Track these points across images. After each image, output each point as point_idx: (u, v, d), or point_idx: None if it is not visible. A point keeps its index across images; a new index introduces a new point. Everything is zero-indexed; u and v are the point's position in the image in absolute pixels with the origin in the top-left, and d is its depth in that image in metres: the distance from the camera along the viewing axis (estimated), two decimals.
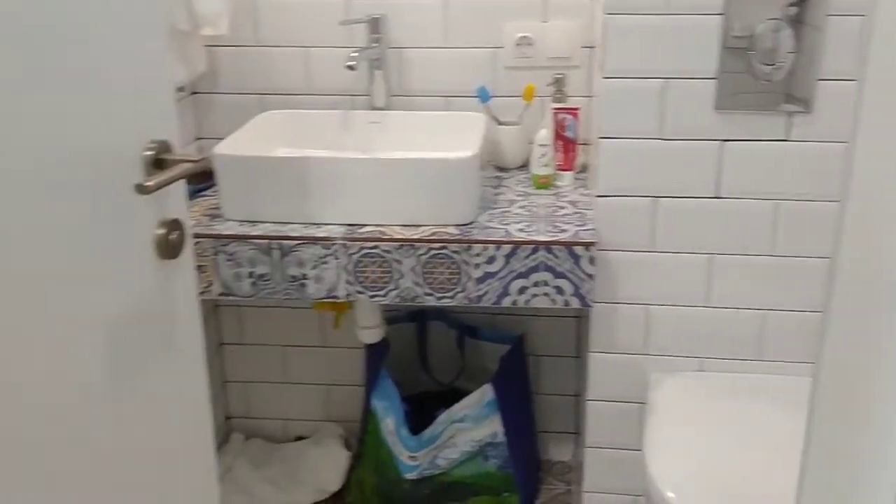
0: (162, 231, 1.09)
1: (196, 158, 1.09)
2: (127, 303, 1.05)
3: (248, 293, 1.63)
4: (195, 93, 2.00)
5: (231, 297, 1.64)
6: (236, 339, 2.19)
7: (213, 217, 1.68)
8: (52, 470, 0.94)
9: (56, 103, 0.92)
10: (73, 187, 0.95)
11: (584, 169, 1.88)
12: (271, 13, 1.92)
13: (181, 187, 1.14)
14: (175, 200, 1.13)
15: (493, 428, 1.88)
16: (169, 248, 1.10)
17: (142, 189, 0.98)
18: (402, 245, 1.57)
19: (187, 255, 1.16)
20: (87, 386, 1.00)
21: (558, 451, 2.19)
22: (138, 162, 1.04)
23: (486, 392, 1.87)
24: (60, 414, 0.95)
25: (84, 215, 0.97)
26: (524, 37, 1.87)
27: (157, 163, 1.07)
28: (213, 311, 2.15)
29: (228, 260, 1.61)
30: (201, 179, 1.75)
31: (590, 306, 1.60)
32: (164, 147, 1.08)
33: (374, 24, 1.87)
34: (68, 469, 0.97)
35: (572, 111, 1.80)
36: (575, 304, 1.58)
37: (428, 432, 1.89)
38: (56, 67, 0.91)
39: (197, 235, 1.58)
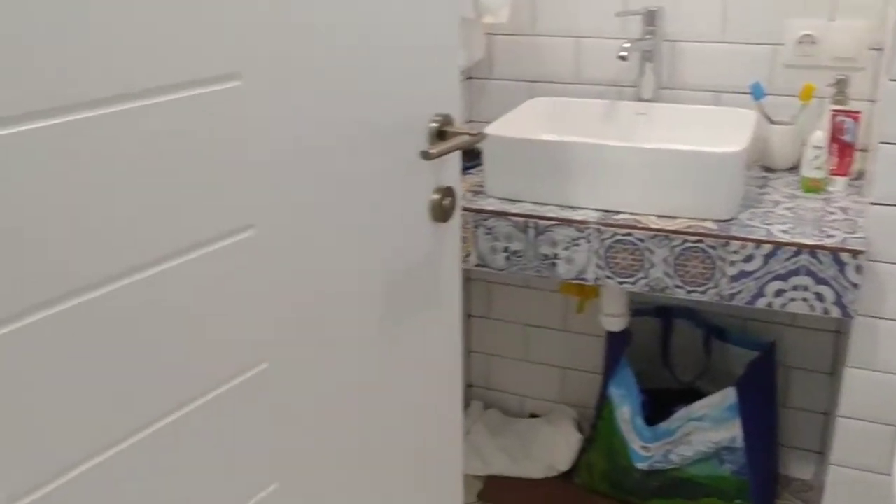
0: (437, 196, 1.19)
1: (473, 132, 1.18)
2: (403, 258, 1.16)
3: (501, 266, 1.72)
4: (470, 77, 2.12)
5: (484, 270, 1.74)
6: (483, 313, 2.30)
7: (477, 193, 1.78)
8: (330, 407, 1.07)
9: (362, 77, 1.04)
10: (371, 150, 1.07)
11: (859, 176, 1.78)
12: (549, 3, 1.99)
13: (456, 158, 1.24)
14: (450, 170, 1.23)
15: (732, 432, 1.85)
16: (441, 212, 1.20)
17: (426, 155, 1.08)
18: (656, 235, 1.58)
19: (456, 221, 1.26)
20: (366, 330, 1.12)
21: (799, 469, 2.09)
22: (424, 131, 1.16)
23: (729, 395, 1.83)
24: (341, 352, 1.08)
25: (378, 175, 1.09)
26: (807, 35, 1.80)
27: (440, 134, 1.17)
28: (465, 283, 2.27)
29: (487, 234, 1.70)
30: (471, 157, 1.86)
31: (851, 317, 1.53)
32: (446, 120, 1.18)
33: (650, 17, 1.88)
34: (341, 410, 1.09)
35: (853, 114, 1.71)
36: (835, 312, 1.51)
37: (664, 425, 1.89)
38: (364, 46, 1.03)
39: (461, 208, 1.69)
